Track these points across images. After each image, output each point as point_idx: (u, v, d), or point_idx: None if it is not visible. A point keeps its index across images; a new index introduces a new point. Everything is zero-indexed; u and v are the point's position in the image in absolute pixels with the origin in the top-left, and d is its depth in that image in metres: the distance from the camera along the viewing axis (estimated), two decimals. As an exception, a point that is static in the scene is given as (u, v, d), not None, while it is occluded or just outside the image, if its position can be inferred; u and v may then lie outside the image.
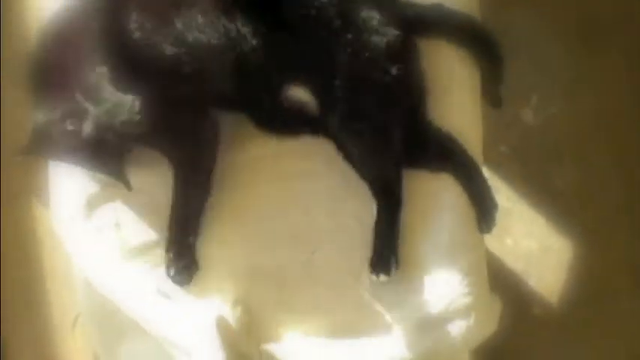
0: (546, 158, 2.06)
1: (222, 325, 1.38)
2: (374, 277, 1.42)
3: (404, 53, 1.41)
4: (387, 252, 1.43)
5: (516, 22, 2.03)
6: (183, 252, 1.43)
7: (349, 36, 1.35)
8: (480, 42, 1.50)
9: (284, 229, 1.47)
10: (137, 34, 1.33)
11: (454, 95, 1.47)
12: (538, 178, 2.05)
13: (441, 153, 1.45)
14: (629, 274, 2.02)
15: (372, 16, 1.37)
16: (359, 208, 1.47)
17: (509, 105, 1.99)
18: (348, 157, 1.45)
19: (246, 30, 1.34)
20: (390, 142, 1.42)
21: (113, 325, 1.47)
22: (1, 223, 2.01)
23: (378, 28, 1.37)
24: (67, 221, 1.49)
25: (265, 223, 1.47)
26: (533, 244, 2.04)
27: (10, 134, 1.83)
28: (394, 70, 1.37)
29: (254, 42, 1.35)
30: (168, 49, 1.33)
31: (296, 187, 1.47)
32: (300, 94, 1.41)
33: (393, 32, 1.38)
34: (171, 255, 1.43)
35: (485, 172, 1.49)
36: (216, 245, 1.46)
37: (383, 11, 1.39)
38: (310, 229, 1.47)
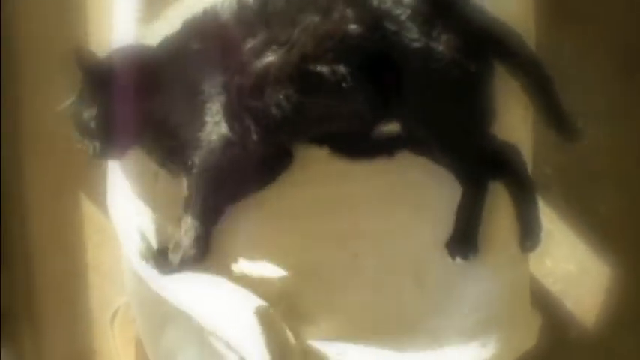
0: (590, 182, 2.05)
1: (267, 319, 1.39)
2: (451, 260, 1.44)
3: (482, 52, 1.42)
4: (467, 236, 1.44)
5: (564, 45, 2.04)
6: (200, 242, 1.46)
7: (429, 43, 1.37)
8: (530, 72, 1.48)
9: (330, 229, 1.50)
10: None
11: (509, 110, 1.48)
12: (580, 201, 2.04)
13: (500, 162, 1.46)
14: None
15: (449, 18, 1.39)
16: (404, 214, 1.49)
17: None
18: (430, 154, 1.47)
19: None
20: (473, 134, 1.44)
21: (158, 313, 1.50)
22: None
23: (457, 27, 1.39)
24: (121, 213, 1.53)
25: (312, 222, 1.50)
26: (572, 266, 2.03)
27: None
28: (473, 68, 1.39)
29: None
30: None
31: (344, 189, 1.50)
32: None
33: (471, 30, 1.40)
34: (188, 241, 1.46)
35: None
36: (264, 241, 1.50)
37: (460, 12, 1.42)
38: (355, 231, 1.49)
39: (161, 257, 1.46)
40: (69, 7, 2.06)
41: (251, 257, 1.49)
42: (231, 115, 1.38)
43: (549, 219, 2.00)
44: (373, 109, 1.41)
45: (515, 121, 1.49)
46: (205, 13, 1.44)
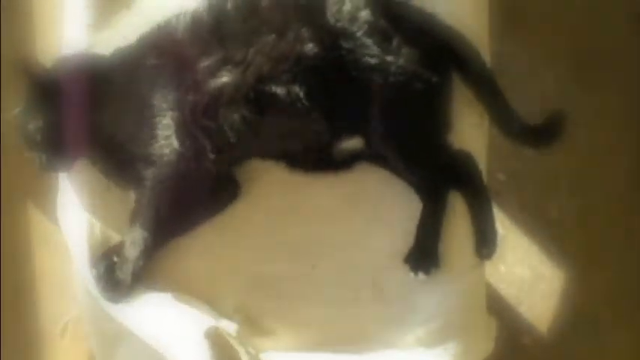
0: (542, 188, 2.08)
1: (215, 336, 1.38)
2: (412, 275, 1.43)
3: (442, 63, 1.43)
4: (428, 251, 1.44)
5: (514, 53, 2.06)
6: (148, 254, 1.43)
7: (388, 58, 1.36)
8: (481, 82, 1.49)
9: (285, 241, 1.48)
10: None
11: (465, 118, 1.49)
12: (534, 206, 2.07)
13: (456, 171, 1.46)
14: (619, 305, 2.03)
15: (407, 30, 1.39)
16: (362, 225, 1.49)
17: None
18: (391, 166, 1.47)
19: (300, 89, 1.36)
20: (433, 146, 1.44)
21: (110, 329, 1.46)
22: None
23: (416, 37, 1.39)
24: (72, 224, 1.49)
25: (269, 234, 1.48)
26: (526, 271, 2.05)
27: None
28: (434, 79, 1.39)
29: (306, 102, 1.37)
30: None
31: (301, 200, 1.49)
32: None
33: (430, 41, 1.41)
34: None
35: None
36: (218, 253, 1.47)
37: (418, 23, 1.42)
38: (311, 243, 1.48)
39: (109, 280, 1.42)
40: (17, 14, 2.00)
41: (206, 270, 1.47)
42: (184, 132, 1.36)
43: (503, 224, 2.02)
44: (330, 127, 1.41)
45: (470, 129, 1.50)
46: (160, 28, 1.42)
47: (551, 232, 2.05)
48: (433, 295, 1.46)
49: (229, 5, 1.38)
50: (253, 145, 1.42)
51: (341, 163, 1.48)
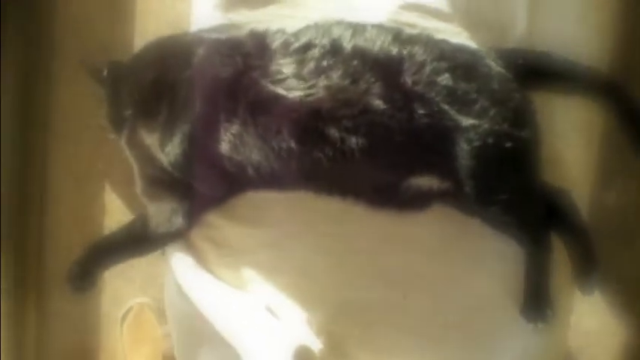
0: (617, 239, 2.05)
1: (303, 355, 1.38)
2: (531, 326, 1.42)
3: (528, 115, 1.39)
4: (541, 299, 1.42)
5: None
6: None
7: (469, 122, 1.32)
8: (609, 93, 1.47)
9: (379, 267, 1.46)
10: None
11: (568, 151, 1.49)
12: (608, 258, 2.04)
13: (552, 211, 1.44)
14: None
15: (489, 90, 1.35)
16: (459, 262, 1.47)
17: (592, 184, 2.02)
18: (486, 221, 1.43)
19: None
20: (530, 198, 1.41)
21: (196, 330, 1.47)
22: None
23: (503, 95, 1.35)
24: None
25: (361, 259, 1.46)
26: (594, 323, 2.03)
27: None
28: (524, 134, 1.36)
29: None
30: None
31: (396, 227, 1.46)
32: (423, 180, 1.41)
33: (516, 97, 1.37)
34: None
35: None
36: (313, 273, 1.46)
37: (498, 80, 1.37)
38: (405, 274, 1.46)
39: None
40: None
41: (299, 288, 1.46)
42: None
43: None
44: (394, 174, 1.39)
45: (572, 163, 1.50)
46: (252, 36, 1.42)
47: (622, 287, 2.02)
48: (516, 343, 1.45)
49: (319, 39, 1.36)
50: (294, 175, 1.40)
51: (412, 202, 1.44)
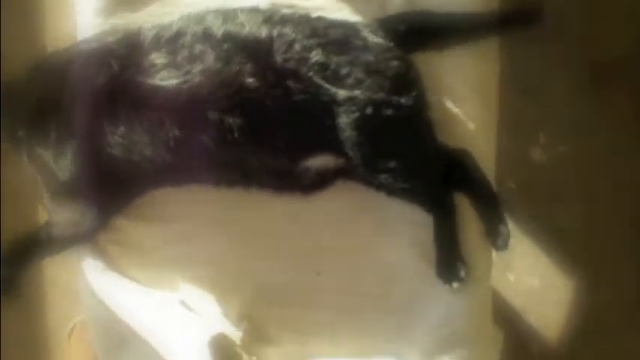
0: (552, 196, 2.07)
1: (220, 343, 1.38)
2: (447, 287, 1.43)
3: (410, 81, 1.40)
4: (452, 260, 1.43)
5: (526, 59, 2.04)
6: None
7: (345, 94, 1.34)
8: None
9: (289, 248, 1.47)
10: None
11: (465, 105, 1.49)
12: (543, 215, 2.05)
13: (453, 171, 1.45)
14: (630, 313, 2.02)
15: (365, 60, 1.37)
16: (366, 235, 1.48)
17: (518, 142, 2.04)
18: (384, 190, 1.43)
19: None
20: (422, 163, 1.42)
21: (116, 332, 1.46)
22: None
23: (379, 65, 1.36)
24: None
25: (270, 242, 1.47)
26: (535, 280, 2.04)
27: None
28: (404, 101, 1.36)
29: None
30: None
31: (302, 206, 1.47)
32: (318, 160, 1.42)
33: (393, 65, 1.38)
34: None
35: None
36: (225, 261, 1.47)
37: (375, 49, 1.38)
38: (315, 252, 1.47)
39: None
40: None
41: (213, 277, 1.46)
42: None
43: (512, 233, 2.00)
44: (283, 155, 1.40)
45: (476, 127, 1.50)
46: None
47: (561, 241, 2.04)
48: (437, 304, 1.45)
49: (191, 27, 1.38)
50: (188, 165, 1.42)
51: (313, 184, 1.45)
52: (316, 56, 1.34)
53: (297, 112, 1.34)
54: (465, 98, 1.49)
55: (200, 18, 1.39)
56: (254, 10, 1.40)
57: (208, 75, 1.33)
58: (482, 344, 1.48)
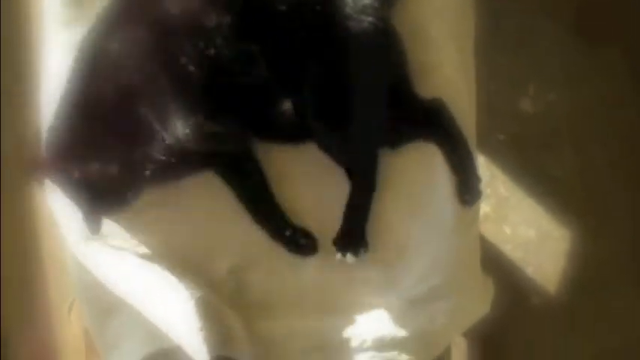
0: (544, 146, 2.06)
1: (208, 309, 1.38)
2: (340, 256, 1.41)
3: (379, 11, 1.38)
4: (354, 233, 1.41)
5: (510, 8, 2.03)
6: None
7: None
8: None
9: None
10: None
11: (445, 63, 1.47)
12: (536, 166, 2.05)
13: (426, 123, 1.43)
14: (627, 263, 2.01)
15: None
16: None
17: (507, 93, 2.03)
18: (325, 146, 1.42)
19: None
20: (369, 128, 1.40)
21: (101, 302, 1.47)
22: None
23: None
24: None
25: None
26: (532, 232, 2.04)
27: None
28: (368, 21, 1.35)
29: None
30: None
31: (286, 167, 1.46)
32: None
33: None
34: None
35: (483, 160, 1.49)
36: (212, 223, 1.46)
37: None
38: (301, 208, 1.46)
39: None
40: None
41: (197, 239, 1.46)
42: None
43: (505, 186, 2.01)
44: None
45: (453, 76, 1.48)
46: None
47: (555, 191, 2.03)
48: (426, 256, 1.44)
49: None
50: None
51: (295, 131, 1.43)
52: None
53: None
54: (441, 45, 1.47)
55: None
56: None
57: None
58: (472, 294, 1.48)
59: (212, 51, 1.30)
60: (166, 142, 1.32)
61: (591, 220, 2.02)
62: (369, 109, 1.39)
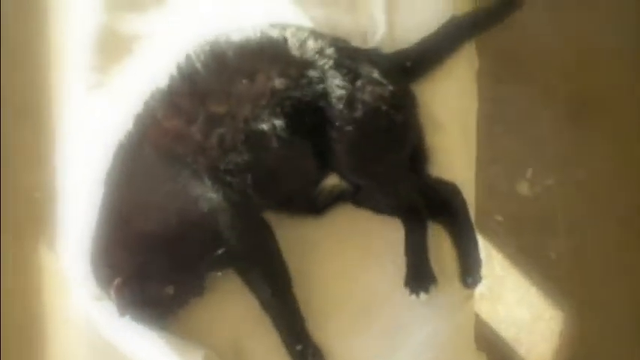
0: (540, 229, 2.10)
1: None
2: (414, 297, 1.46)
3: (405, 101, 1.50)
4: (423, 270, 1.47)
5: (511, 97, 2.12)
6: None
7: (352, 91, 1.43)
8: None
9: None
10: None
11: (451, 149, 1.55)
12: (532, 247, 2.08)
13: (438, 201, 1.50)
14: (617, 345, 2.03)
15: (370, 72, 1.46)
16: (353, 259, 1.54)
17: (505, 177, 2.08)
18: (369, 202, 1.52)
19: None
20: (404, 173, 1.49)
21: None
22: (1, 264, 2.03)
23: (379, 82, 1.45)
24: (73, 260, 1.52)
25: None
26: (525, 312, 2.06)
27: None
28: (399, 117, 1.46)
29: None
30: None
31: (290, 234, 1.51)
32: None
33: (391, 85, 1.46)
34: None
35: (481, 240, 1.53)
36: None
37: (379, 67, 1.47)
38: (304, 275, 1.50)
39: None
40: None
41: (201, 303, 1.49)
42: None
43: (501, 266, 2.04)
44: (314, 161, 1.47)
45: (456, 158, 1.56)
46: (142, 114, 1.44)
47: (550, 273, 2.06)
48: (421, 329, 1.48)
49: (198, 65, 1.43)
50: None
51: (323, 206, 1.53)
52: (330, 50, 1.45)
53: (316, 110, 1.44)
54: (445, 128, 1.56)
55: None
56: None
57: (244, 97, 1.41)
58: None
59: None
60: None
61: (584, 301, 2.04)
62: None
